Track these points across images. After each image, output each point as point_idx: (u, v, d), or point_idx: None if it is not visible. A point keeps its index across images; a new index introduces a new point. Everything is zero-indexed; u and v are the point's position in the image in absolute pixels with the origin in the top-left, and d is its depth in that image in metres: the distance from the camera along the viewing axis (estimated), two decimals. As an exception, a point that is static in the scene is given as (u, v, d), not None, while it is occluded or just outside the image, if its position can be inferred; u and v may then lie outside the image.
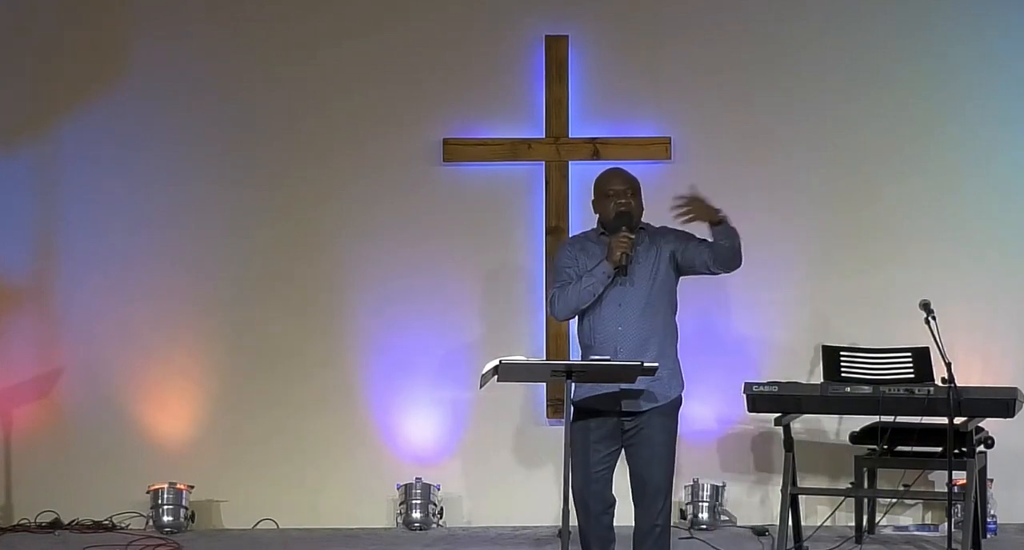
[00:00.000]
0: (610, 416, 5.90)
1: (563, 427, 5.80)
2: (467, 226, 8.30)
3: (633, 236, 5.90)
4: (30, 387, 8.34)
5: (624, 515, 8.24)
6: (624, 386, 5.83)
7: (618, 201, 5.99)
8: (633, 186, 6.05)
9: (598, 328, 5.93)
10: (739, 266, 6.02)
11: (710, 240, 5.96)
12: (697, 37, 8.30)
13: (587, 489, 5.89)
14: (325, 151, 8.37)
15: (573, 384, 5.84)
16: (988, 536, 7.51)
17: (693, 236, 6.03)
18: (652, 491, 5.92)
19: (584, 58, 8.29)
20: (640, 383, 5.82)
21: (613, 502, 5.98)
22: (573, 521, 5.83)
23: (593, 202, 6.14)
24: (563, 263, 6.06)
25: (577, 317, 6.03)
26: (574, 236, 6.26)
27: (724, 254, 5.92)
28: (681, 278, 6.12)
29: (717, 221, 5.89)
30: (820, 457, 8.06)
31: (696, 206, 5.88)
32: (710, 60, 8.27)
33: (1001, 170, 8.20)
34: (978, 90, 8.21)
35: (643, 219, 6.11)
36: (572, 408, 5.91)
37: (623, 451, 5.98)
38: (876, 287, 8.16)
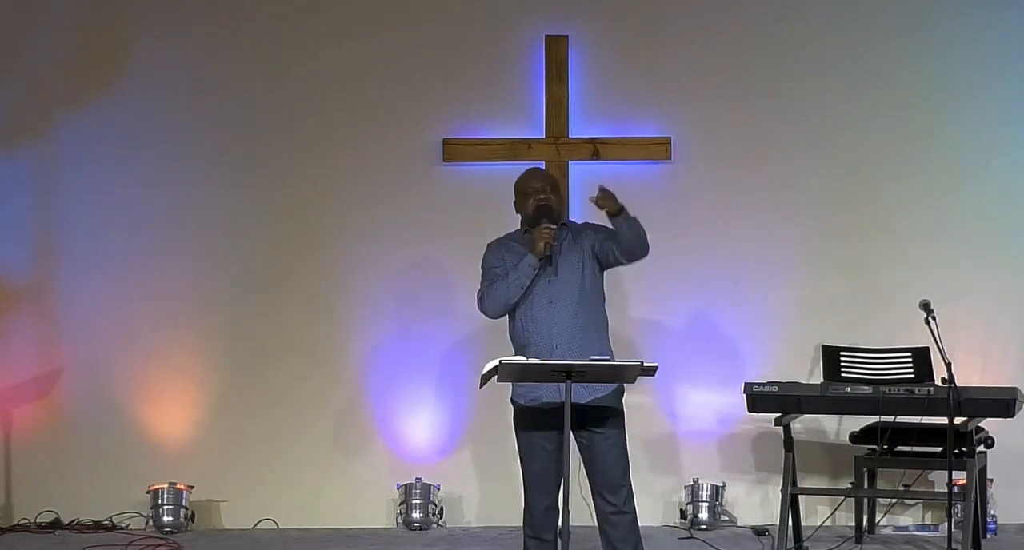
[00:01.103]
0: (558, 416, 5.86)
1: (563, 427, 5.80)
2: (467, 226, 8.29)
3: (554, 227, 6.01)
4: (30, 387, 8.34)
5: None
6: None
7: (537, 196, 6.10)
8: (552, 183, 6.21)
9: (531, 327, 6.02)
10: (645, 254, 6.09)
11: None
12: (697, 37, 8.30)
13: (553, 492, 5.97)
14: (325, 151, 8.37)
15: (516, 386, 6.03)
16: (988, 536, 7.51)
17: (609, 230, 6.10)
18: (614, 482, 6.03)
19: (584, 58, 8.29)
20: (583, 383, 5.87)
21: None
22: (573, 521, 5.81)
23: (515, 203, 6.23)
24: (489, 264, 6.17)
25: (508, 318, 6.12)
26: (497, 239, 6.27)
27: (627, 242, 6.01)
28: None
29: (616, 212, 5.96)
30: (820, 457, 8.06)
31: (604, 196, 5.95)
32: (710, 60, 8.27)
33: (1001, 170, 8.21)
34: (978, 90, 8.21)
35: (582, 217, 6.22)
36: (519, 409, 6.06)
37: (577, 446, 6.05)
38: (876, 287, 8.16)
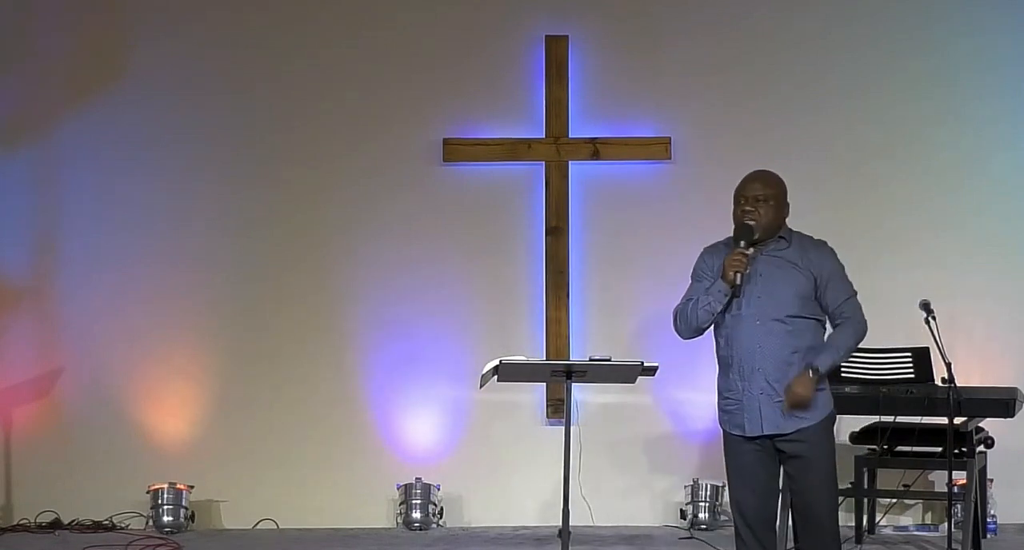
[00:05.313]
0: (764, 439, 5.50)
1: (563, 427, 5.80)
2: (467, 226, 8.31)
3: (749, 252, 5.44)
4: (30, 387, 8.34)
5: (628, 516, 8.24)
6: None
7: (744, 209, 5.54)
8: (768, 192, 5.62)
9: (736, 345, 5.46)
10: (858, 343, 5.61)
11: (843, 314, 5.50)
12: (697, 37, 8.30)
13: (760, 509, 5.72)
14: (325, 151, 8.37)
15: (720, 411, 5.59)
16: (988, 536, 7.51)
17: (839, 288, 5.58)
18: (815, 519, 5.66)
19: (584, 58, 8.29)
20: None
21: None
22: (573, 521, 5.81)
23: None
24: (698, 272, 5.63)
25: (713, 330, 5.58)
26: (715, 243, 5.69)
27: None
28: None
29: (814, 385, 5.40)
30: (820, 457, 8.04)
31: (794, 404, 5.37)
32: (710, 60, 8.28)
33: (1001, 169, 8.21)
34: (978, 90, 8.21)
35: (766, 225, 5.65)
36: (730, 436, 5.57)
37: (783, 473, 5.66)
38: (876, 287, 8.13)
